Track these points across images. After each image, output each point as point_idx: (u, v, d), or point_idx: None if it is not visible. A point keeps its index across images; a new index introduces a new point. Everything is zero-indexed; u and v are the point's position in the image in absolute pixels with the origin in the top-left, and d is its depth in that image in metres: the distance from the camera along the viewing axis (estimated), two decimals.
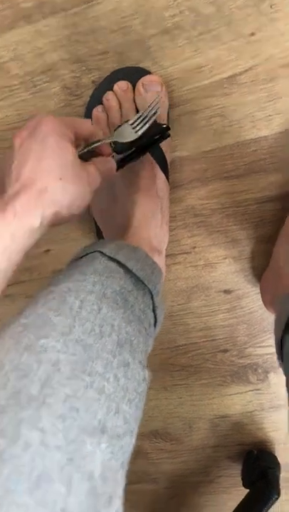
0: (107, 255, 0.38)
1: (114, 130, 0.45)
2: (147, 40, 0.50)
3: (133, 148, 0.46)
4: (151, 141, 0.48)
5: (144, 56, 0.51)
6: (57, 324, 0.28)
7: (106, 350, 0.28)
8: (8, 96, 0.54)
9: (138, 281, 0.39)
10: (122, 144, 0.44)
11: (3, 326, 0.29)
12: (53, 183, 0.34)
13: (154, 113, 0.45)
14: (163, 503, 0.69)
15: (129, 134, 0.45)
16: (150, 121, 0.45)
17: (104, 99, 0.51)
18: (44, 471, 0.21)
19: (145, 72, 0.50)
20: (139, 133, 0.44)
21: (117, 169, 0.45)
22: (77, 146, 0.40)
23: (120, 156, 0.46)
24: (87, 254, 0.39)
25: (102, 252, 0.39)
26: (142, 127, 0.44)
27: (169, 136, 0.48)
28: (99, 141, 0.43)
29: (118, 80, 0.50)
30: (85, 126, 0.41)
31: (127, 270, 0.39)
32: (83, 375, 0.26)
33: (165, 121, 0.50)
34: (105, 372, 0.27)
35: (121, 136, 0.45)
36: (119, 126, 0.45)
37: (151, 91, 0.49)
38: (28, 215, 0.33)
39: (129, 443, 0.26)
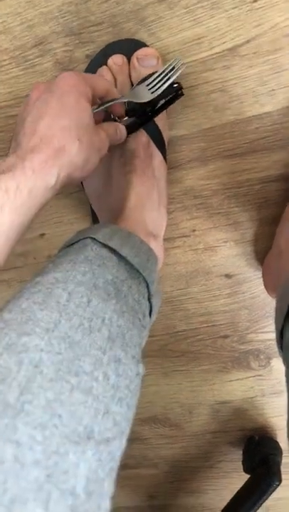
0: (99, 241, 0.36)
1: (130, 90, 0.44)
2: (143, 10, 0.47)
3: (147, 109, 0.44)
4: (165, 102, 0.45)
5: (140, 27, 0.48)
6: (41, 319, 0.26)
7: (95, 347, 0.26)
8: None
9: (132, 269, 0.37)
10: (136, 104, 0.43)
11: None
12: (71, 143, 0.34)
13: (173, 72, 0.43)
14: (162, 487, 0.69)
15: (145, 94, 0.44)
16: (169, 82, 0.43)
17: (98, 74, 0.48)
18: (19, 493, 0.19)
19: (141, 44, 0.47)
20: (156, 94, 0.43)
21: (129, 133, 0.44)
22: (92, 105, 0.39)
23: (132, 118, 0.45)
24: (78, 240, 0.37)
25: (94, 239, 0.36)
26: (159, 87, 0.43)
27: (182, 95, 0.45)
28: (113, 100, 0.42)
29: (113, 53, 0.47)
30: (102, 83, 0.40)
31: (121, 257, 0.36)
32: (68, 376, 0.24)
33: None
34: (94, 371, 0.25)
35: (136, 97, 0.43)
36: (136, 85, 0.44)
37: (146, 65, 0.46)
38: (45, 172, 0.32)
39: (118, 447, 0.24)
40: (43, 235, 0.58)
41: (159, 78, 0.44)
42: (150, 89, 0.44)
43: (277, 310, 0.40)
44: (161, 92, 0.43)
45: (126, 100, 0.43)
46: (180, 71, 0.44)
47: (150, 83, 0.44)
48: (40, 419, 0.21)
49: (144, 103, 0.43)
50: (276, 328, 0.40)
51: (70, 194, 0.56)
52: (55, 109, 0.35)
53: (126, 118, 0.45)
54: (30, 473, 0.19)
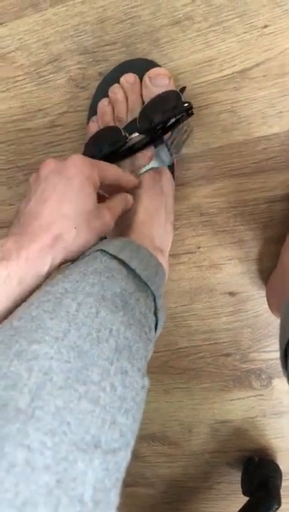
0: (109, 253, 0.37)
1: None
2: (156, 32, 0.48)
3: (157, 127, 0.46)
4: (175, 121, 0.46)
5: (153, 48, 0.49)
6: (51, 328, 0.26)
7: (103, 357, 0.27)
8: (13, 87, 0.52)
9: (140, 282, 0.37)
10: (146, 122, 0.45)
11: None
12: (67, 230, 0.35)
13: (187, 135, 0.48)
14: (159, 507, 0.68)
15: (165, 157, 0.48)
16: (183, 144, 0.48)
17: (110, 92, 0.49)
18: (30, 496, 0.19)
19: (153, 64, 0.48)
20: (175, 155, 0.48)
21: (139, 149, 0.46)
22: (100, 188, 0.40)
23: (142, 136, 0.46)
24: (89, 253, 0.38)
25: (104, 251, 0.37)
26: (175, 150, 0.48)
27: (192, 114, 0.46)
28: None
29: (125, 72, 0.48)
30: (112, 171, 0.42)
31: (130, 270, 0.37)
32: (77, 385, 0.24)
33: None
34: (101, 381, 0.25)
35: (160, 161, 0.48)
36: (157, 148, 0.48)
37: (158, 85, 0.47)
38: (39, 261, 0.34)
39: (124, 457, 0.24)
40: None
41: (175, 142, 0.47)
42: (169, 150, 0.48)
43: (281, 329, 0.40)
44: (172, 112, 0.44)
45: (152, 166, 0.48)
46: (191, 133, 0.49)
47: (169, 146, 0.48)
48: (50, 426, 0.21)
49: (155, 123, 0.45)
50: (280, 348, 0.40)
51: None
52: (60, 194, 0.36)
53: (137, 135, 0.46)
54: (40, 477, 0.19)
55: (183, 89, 0.46)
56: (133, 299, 0.34)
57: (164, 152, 0.48)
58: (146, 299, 0.36)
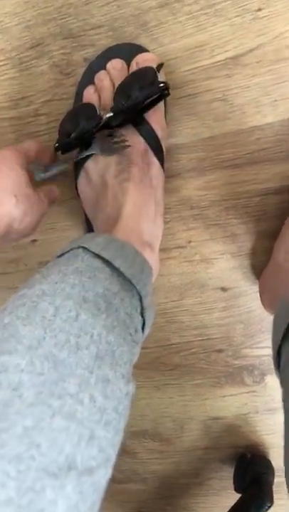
0: (91, 251, 0.35)
1: (94, 143, 0.46)
2: (145, 14, 0.46)
3: (125, 113, 0.44)
4: (150, 102, 0.44)
5: (141, 32, 0.46)
6: (24, 336, 0.24)
7: (82, 366, 0.25)
8: None
9: (125, 280, 0.35)
10: (120, 103, 0.44)
11: None
12: (7, 199, 0.40)
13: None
14: (151, 503, 0.67)
15: (109, 147, 0.46)
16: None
17: (96, 79, 0.46)
18: None
19: (141, 49, 0.46)
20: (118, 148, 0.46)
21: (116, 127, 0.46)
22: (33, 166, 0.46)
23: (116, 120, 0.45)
24: (70, 250, 0.36)
25: (85, 248, 0.35)
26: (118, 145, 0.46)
27: (168, 94, 0.44)
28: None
29: (112, 57, 0.46)
30: (29, 147, 0.46)
31: (114, 269, 0.35)
32: (51, 400, 0.22)
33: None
34: (79, 393, 0.23)
35: (102, 150, 0.46)
36: (98, 137, 0.46)
37: None
38: None
39: (103, 476, 0.22)
40: (34, 241, 0.57)
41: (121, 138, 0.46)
42: (115, 143, 0.46)
43: (275, 328, 0.38)
44: (146, 92, 0.43)
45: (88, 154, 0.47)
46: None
47: (115, 138, 0.46)
48: (15, 451, 0.19)
49: (130, 103, 0.43)
50: (273, 348, 0.38)
51: (64, 201, 0.54)
52: None
53: (111, 114, 0.44)
54: None
55: (160, 66, 0.44)
56: (117, 300, 0.33)
57: (106, 143, 0.46)
58: (131, 299, 0.35)
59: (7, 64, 0.49)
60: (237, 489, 0.60)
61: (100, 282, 0.32)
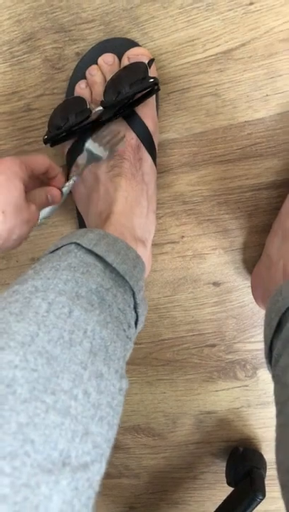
0: (84, 247, 0.35)
1: (83, 154, 0.47)
2: (136, 9, 0.46)
3: (116, 108, 0.44)
4: (140, 97, 0.44)
5: (132, 26, 0.46)
6: (17, 332, 0.24)
7: (76, 362, 0.25)
8: None
9: (118, 276, 0.35)
10: (110, 99, 0.43)
11: None
12: None
13: (119, 140, 0.46)
14: (144, 498, 0.67)
15: (99, 151, 0.46)
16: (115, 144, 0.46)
17: (87, 73, 0.46)
18: None
19: (133, 43, 0.46)
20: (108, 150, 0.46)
21: (102, 124, 0.46)
22: (34, 182, 0.44)
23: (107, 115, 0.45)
24: (62, 246, 0.35)
25: (78, 244, 0.35)
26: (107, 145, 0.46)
27: (158, 89, 0.44)
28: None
29: (103, 52, 0.46)
30: (40, 162, 0.44)
31: (106, 264, 0.35)
32: (44, 396, 0.22)
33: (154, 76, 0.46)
34: (73, 388, 0.23)
35: (93, 157, 0.47)
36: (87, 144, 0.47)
37: None
38: None
39: (98, 471, 0.22)
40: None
41: (107, 139, 0.46)
42: (100, 146, 0.46)
43: (266, 324, 0.38)
44: (137, 87, 0.43)
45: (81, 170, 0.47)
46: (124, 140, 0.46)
47: (101, 142, 0.46)
48: (10, 448, 0.19)
49: (120, 98, 0.43)
50: (265, 343, 0.38)
51: None
52: None
53: (101, 108, 0.44)
54: None
55: (151, 61, 0.44)
56: (110, 295, 0.32)
57: (95, 148, 0.46)
58: (124, 295, 0.35)
59: None
60: (229, 483, 0.60)
61: (93, 278, 0.32)
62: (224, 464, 0.62)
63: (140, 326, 0.39)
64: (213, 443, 0.62)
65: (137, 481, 0.67)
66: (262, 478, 0.58)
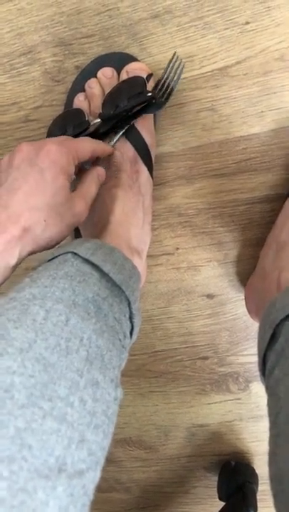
0: (81, 256, 0.35)
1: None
2: (135, 25, 0.47)
3: (114, 121, 0.45)
4: (138, 110, 0.45)
5: (131, 42, 0.47)
6: (15, 338, 0.24)
7: (72, 369, 0.25)
8: None
9: (114, 286, 0.35)
10: (109, 111, 0.44)
11: None
12: (37, 223, 0.34)
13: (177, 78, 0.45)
14: None
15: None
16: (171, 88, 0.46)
17: (86, 86, 0.47)
18: None
19: (132, 58, 0.47)
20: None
21: (103, 135, 0.45)
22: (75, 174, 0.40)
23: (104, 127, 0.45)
24: (59, 255, 0.36)
25: (75, 253, 0.35)
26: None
27: (155, 104, 0.45)
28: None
29: (103, 65, 0.47)
30: (86, 149, 0.40)
31: (103, 274, 0.35)
32: (41, 402, 0.22)
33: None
34: (69, 395, 0.23)
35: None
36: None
37: None
38: (7, 254, 0.33)
39: (92, 479, 0.22)
40: None
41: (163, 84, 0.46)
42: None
43: (260, 336, 0.39)
44: (135, 101, 0.43)
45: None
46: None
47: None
48: (7, 452, 0.19)
49: (118, 111, 0.44)
50: (258, 355, 0.39)
51: None
52: (31, 185, 0.35)
53: (99, 121, 0.45)
54: None
55: (149, 76, 0.45)
56: (106, 305, 0.33)
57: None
58: (120, 304, 0.35)
59: None
60: (221, 497, 0.59)
61: (90, 287, 0.32)
62: (216, 478, 0.62)
63: (135, 336, 0.39)
64: (205, 456, 0.62)
65: (128, 496, 0.66)
66: (254, 493, 0.58)
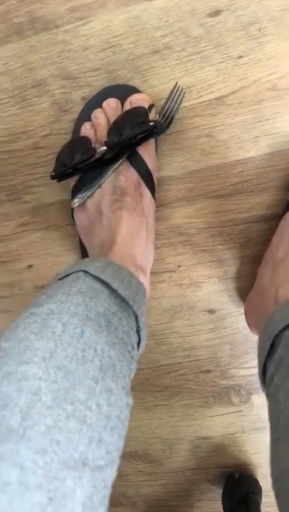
0: (91, 274, 0.38)
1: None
2: (137, 59, 0.50)
3: (118, 148, 0.48)
4: (141, 138, 0.48)
5: (134, 74, 0.51)
6: (38, 349, 0.27)
7: (88, 376, 0.27)
8: None
9: (123, 301, 0.38)
10: (114, 139, 0.47)
11: None
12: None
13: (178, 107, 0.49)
14: None
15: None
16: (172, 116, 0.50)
17: (92, 116, 0.50)
18: None
19: (135, 90, 0.50)
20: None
21: (110, 162, 0.49)
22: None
23: (110, 154, 0.48)
24: (71, 273, 0.38)
25: (86, 271, 0.38)
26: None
27: (157, 133, 0.48)
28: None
29: (107, 97, 0.50)
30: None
31: (112, 290, 0.38)
32: (65, 404, 0.24)
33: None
34: (88, 400, 0.26)
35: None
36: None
37: None
38: None
39: (110, 475, 0.25)
40: (30, 266, 0.59)
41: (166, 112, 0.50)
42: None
43: (260, 347, 0.41)
44: (138, 129, 0.47)
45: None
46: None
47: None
48: (41, 445, 0.22)
49: (122, 139, 0.47)
50: (259, 365, 0.41)
51: (60, 227, 0.57)
52: None
53: (105, 148, 0.48)
54: (33, 496, 0.20)
55: (151, 106, 0.48)
56: (116, 319, 0.35)
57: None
58: (128, 318, 0.37)
59: (9, 101, 0.53)
60: (225, 509, 0.60)
61: (101, 302, 0.35)
62: (220, 491, 0.63)
63: (142, 349, 0.41)
64: (209, 469, 0.63)
65: (134, 510, 0.67)
66: (258, 504, 0.59)
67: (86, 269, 0.38)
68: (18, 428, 0.22)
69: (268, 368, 0.39)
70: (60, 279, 0.39)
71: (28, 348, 0.27)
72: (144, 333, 0.40)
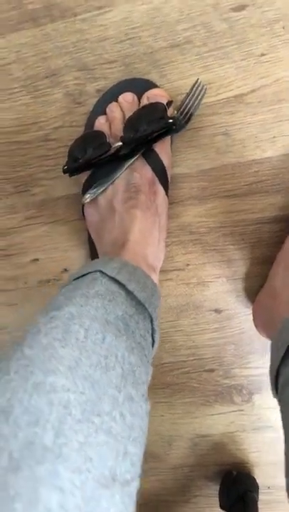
0: (108, 275, 0.37)
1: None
2: (156, 53, 0.49)
3: (133, 145, 0.46)
4: (158, 135, 0.47)
5: (152, 68, 0.49)
6: (63, 357, 0.26)
7: (112, 385, 0.27)
8: (7, 99, 0.52)
9: (139, 304, 0.37)
10: (130, 135, 0.45)
11: (4, 356, 0.26)
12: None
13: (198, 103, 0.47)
14: None
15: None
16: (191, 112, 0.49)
17: (108, 109, 0.49)
18: None
19: (152, 84, 0.49)
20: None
21: (125, 159, 0.48)
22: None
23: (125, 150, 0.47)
24: (88, 273, 0.37)
25: (103, 272, 0.37)
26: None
27: (175, 130, 0.47)
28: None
29: (124, 90, 0.49)
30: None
31: (128, 292, 0.37)
32: (93, 417, 0.24)
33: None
34: (112, 411, 0.25)
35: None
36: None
37: None
38: None
39: (135, 488, 0.24)
40: (36, 260, 0.58)
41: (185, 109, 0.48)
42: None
43: (273, 352, 0.41)
44: (155, 126, 0.45)
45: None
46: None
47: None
48: (76, 464, 0.21)
49: (138, 135, 0.45)
50: (271, 370, 0.40)
51: (67, 222, 0.56)
52: None
53: (120, 143, 0.46)
54: None
55: (169, 103, 0.47)
56: (133, 322, 0.35)
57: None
58: (144, 321, 0.37)
59: (22, 91, 0.51)
60: (222, 506, 0.61)
61: (119, 305, 0.34)
62: (217, 488, 0.63)
63: (154, 351, 0.41)
64: (207, 466, 0.63)
65: None
66: (255, 501, 0.60)
67: (103, 270, 0.37)
68: (53, 446, 0.21)
69: (281, 373, 0.39)
70: (74, 280, 0.38)
71: (52, 355, 0.26)
72: (157, 336, 0.40)
